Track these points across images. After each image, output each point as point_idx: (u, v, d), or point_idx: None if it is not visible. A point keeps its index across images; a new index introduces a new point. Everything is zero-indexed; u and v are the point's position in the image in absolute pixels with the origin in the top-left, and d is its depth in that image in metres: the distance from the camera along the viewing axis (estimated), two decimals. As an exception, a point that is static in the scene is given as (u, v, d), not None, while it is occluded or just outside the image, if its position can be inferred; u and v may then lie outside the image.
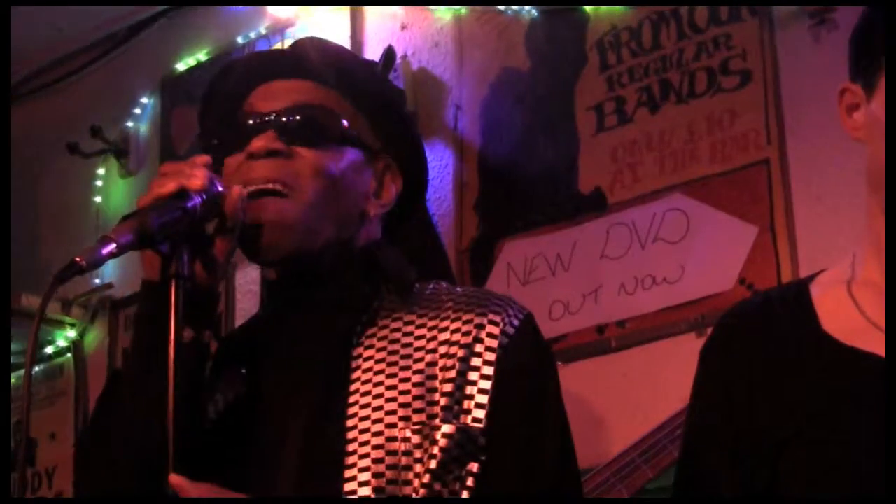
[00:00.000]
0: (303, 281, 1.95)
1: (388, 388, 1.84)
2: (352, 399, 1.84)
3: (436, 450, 1.78)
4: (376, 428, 1.80)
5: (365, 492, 1.77)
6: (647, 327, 3.46)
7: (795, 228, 3.30)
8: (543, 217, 3.76)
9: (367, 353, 1.88)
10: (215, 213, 1.82)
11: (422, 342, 1.87)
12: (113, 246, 1.67)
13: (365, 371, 1.86)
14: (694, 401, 1.81)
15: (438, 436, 1.78)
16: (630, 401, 3.34)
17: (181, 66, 4.67)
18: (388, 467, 1.78)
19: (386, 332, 1.90)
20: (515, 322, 1.89)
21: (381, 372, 1.85)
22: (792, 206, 3.33)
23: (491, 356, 1.84)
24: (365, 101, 2.04)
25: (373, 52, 4.15)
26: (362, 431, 1.80)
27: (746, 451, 1.69)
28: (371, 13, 4.31)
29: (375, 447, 1.79)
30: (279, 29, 4.51)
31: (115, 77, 4.87)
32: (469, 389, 1.81)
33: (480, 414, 1.80)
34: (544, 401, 1.89)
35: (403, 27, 4.23)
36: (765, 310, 1.80)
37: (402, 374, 1.84)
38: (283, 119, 1.93)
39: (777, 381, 1.70)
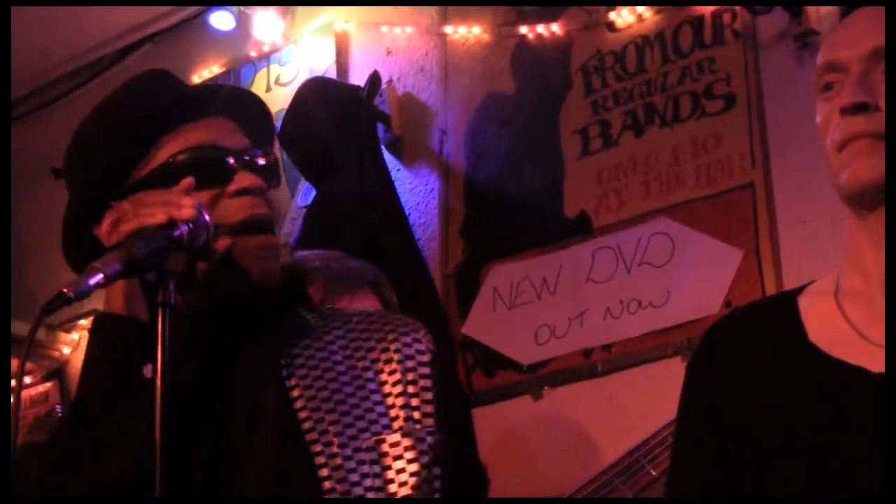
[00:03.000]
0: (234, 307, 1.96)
1: (338, 402, 1.90)
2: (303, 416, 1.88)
3: (417, 455, 1.86)
4: (340, 440, 1.86)
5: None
6: (632, 351, 3.47)
7: (780, 251, 3.31)
8: (529, 241, 3.76)
9: (302, 383, 1.91)
10: (202, 243, 1.82)
11: (353, 361, 1.93)
12: (100, 276, 1.68)
13: (309, 399, 1.89)
14: (681, 411, 1.81)
15: (425, 445, 1.86)
16: (616, 424, 3.34)
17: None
18: (375, 475, 1.84)
19: (311, 351, 1.94)
20: (431, 338, 1.99)
21: (325, 400, 1.89)
22: (777, 229, 3.34)
23: (426, 370, 1.93)
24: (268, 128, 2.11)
25: (358, 77, 4.16)
26: (326, 444, 1.86)
27: (733, 462, 1.69)
28: (356, 38, 4.32)
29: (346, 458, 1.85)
30: (265, 55, 4.52)
31: (101, 102, 4.86)
32: (415, 401, 1.90)
33: (431, 421, 1.89)
34: (466, 404, 2.01)
35: (389, 52, 4.24)
36: (751, 320, 1.80)
37: (346, 389, 1.90)
38: (262, 159, 1.97)
39: (763, 392, 1.69)
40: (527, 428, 3.59)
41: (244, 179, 1.92)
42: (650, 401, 3.23)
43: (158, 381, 1.70)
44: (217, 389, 1.91)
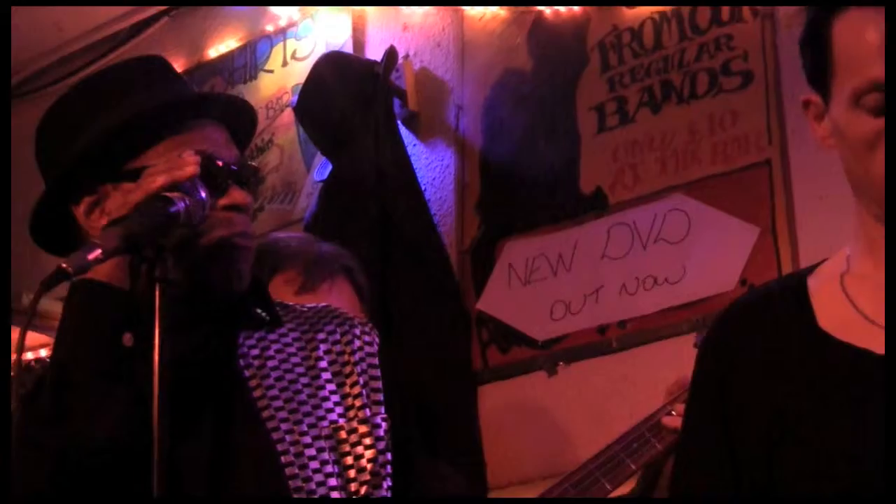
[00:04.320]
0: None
1: (295, 392, 1.95)
2: (260, 404, 1.92)
3: (373, 441, 1.94)
4: (297, 428, 1.92)
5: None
6: (648, 328, 3.47)
7: (797, 229, 3.30)
8: (544, 217, 3.76)
9: (259, 373, 1.95)
10: (199, 220, 1.83)
11: (306, 352, 2.00)
12: (99, 251, 1.71)
13: (267, 388, 1.94)
14: (691, 397, 1.82)
15: (381, 431, 1.95)
16: (630, 401, 3.33)
17: (183, 67, 4.67)
18: (335, 462, 1.91)
19: (266, 342, 1.99)
20: (375, 331, 2.09)
21: (283, 390, 1.94)
22: (793, 206, 3.33)
23: (374, 360, 2.03)
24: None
25: (375, 53, 4.15)
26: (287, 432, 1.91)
27: (741, 449, 1.69)
28: (373, 14, 4.31)
29: (309, 445, 1.91)
30: (281, 29, 4.51)
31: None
32: (367, 390, 1.99)
33: (381, 409, 1.98)
34: (405, 392, 2.11)
35: (405, 28, 4.23)
36: (762, 306, 1.80)
37: (301, 380, 1.97)
38: (251, 175, 2.02)
39: (772, 379, 1.70)
40: (541, 404, 3.60)
41: (237, 196, 1.94)
42: (665, 377, 3.22)
43: (156, 355, 1.73)
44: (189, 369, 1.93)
